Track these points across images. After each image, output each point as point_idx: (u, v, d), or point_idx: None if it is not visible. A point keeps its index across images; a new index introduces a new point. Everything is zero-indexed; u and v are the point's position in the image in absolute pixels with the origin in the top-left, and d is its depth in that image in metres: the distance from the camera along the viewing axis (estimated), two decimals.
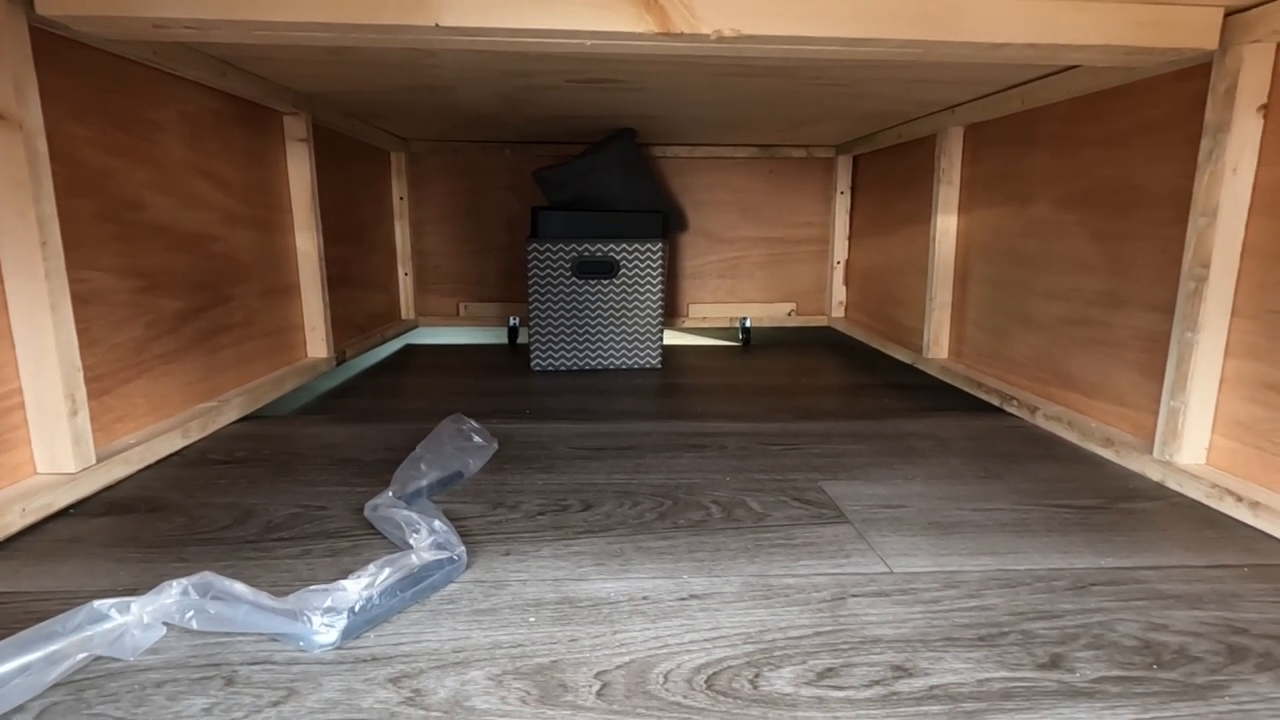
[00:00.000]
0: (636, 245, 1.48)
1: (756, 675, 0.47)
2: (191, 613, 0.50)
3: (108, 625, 0.48)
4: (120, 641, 0.48)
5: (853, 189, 1.88)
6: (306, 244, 1.27)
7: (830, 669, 0.47)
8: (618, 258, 1.48)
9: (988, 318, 1.24)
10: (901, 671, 0.47)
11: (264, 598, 0.51)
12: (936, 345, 1.39)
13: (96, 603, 0.48)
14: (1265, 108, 0.72)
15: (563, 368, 1.51)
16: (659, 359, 1.53)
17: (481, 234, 1.89)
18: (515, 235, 1.89)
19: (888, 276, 1.66)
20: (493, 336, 1.94)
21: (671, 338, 1.94)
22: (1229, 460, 0.77)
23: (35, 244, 0.67)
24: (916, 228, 1.49)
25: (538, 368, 1.51)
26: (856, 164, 1.86)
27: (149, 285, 0.87)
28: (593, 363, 1.52)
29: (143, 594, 0.50)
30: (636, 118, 1.46)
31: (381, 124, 1.54)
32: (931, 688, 0.46)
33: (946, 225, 1.34)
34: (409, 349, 1.75)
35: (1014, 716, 0.43)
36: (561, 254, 1.47)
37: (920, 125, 1.41)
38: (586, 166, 1.54)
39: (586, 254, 1.47)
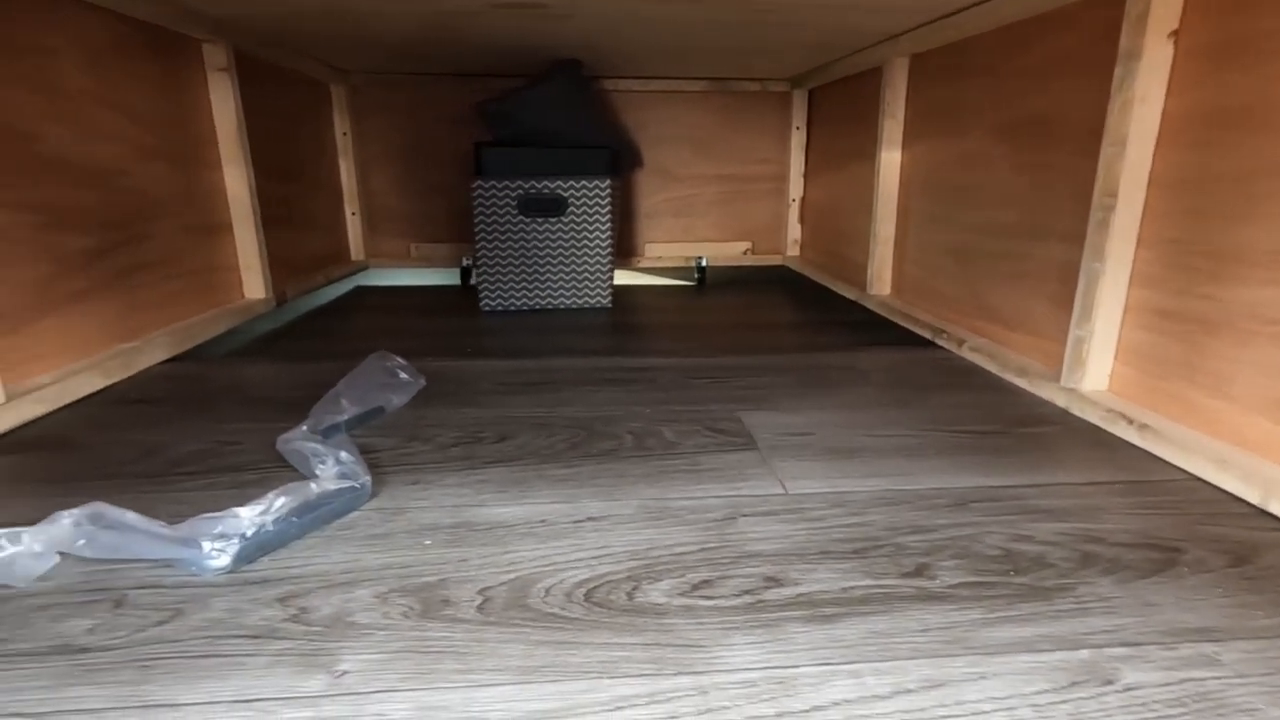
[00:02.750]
0: (585, 182, 1.46)
1: (634, 588, 0.49)
2: (83, 540, 0.50)
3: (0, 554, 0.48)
4: (12, 568, 0.48)
5: (809, 124, 1.85)
6: (236, 180, 1.23)
7: (706, 581, 0.50)
8: (565, 195, 1.46)
9: (923, 253, 1.25)
10: (773, 582, 0.50)
11: (156, 525, 0.51)
12: (879, 281, 1.41)
13: None
14: (1176, 34, 0.72)
15: (512, 308, 1.50)
16: (609, 298, 1.52)
17: (430, 172, 1.84)
18: (464, 173, 1.84)
19: (839, 214, 1.65)
20: (446, 278, 1.92)
21: (627, 278, 1.93)
22: (1127, 387, 0.80)
23: None
24: (865, 163, 1.48)
25: (487, 308, 1.50)
26: (812, 98, 1.83)
27: (51, 221, 0.84)
28: (542, 302, 1.51)
29: (31, 525, 0.50)
30: (578, 47, 1.41)
31: (312, 53, 1.47)
32: (797, 595, 0.48)
33: (890, 160, 1.34)
34: (359, 290, 1.73)
35: (866, 620, 0.46)
36: (507, 191, 1.44)
37: (867, 56, 1.38)
38: (531, 99, 1.50)
39: (533, 191, 1.45)
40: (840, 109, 1.63)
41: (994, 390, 0.92)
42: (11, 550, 0.49)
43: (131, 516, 0.52)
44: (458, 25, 1.19)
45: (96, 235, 0.92)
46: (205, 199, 1.17)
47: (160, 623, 0.45)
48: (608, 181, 1.46)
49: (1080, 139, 0.85)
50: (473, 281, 1.88)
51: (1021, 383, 0.93)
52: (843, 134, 1.61)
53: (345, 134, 1.76)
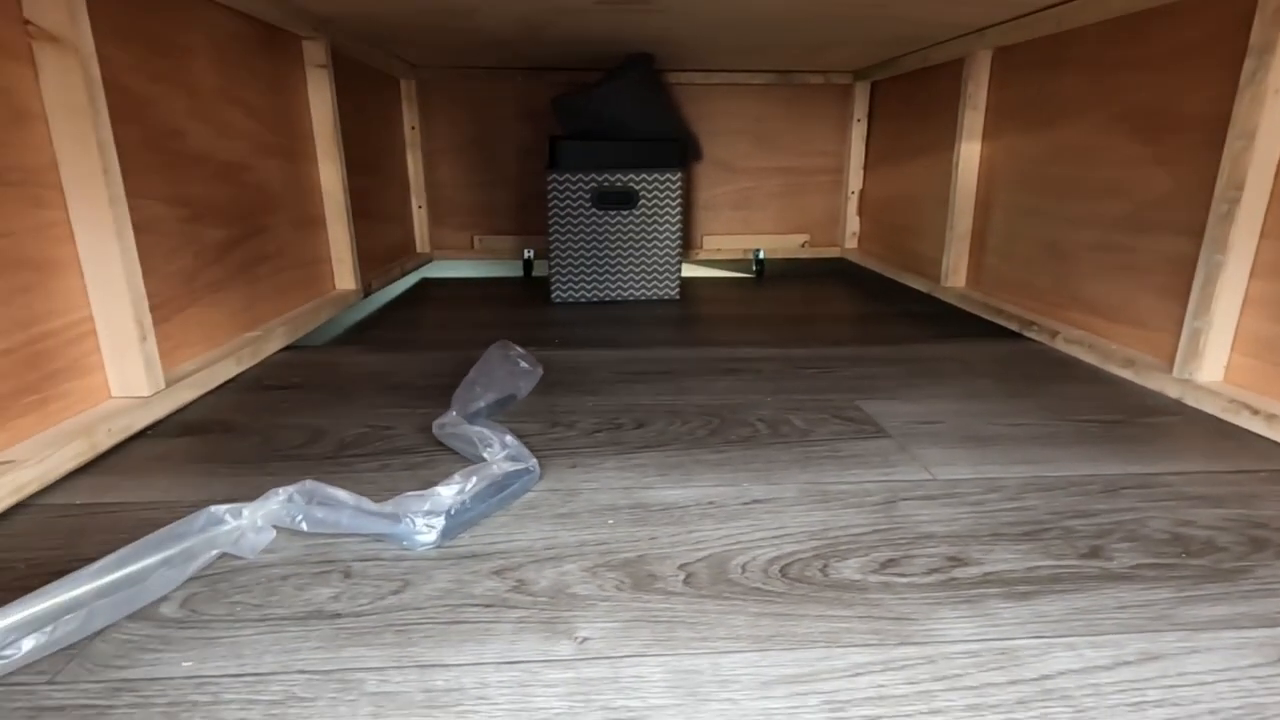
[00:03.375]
0: (656, 175, 1.48)
1: (825, 565, 0.51)
2: (300, 516, 0.54)
3: (226, 528, 0.51)
4: (240, 542, 0.52)
5: (870, 117, 1.86)
6: (330, 175, 1.26)
7: (892, 560, 0.52)
8: (637, 188, 1.48)
9: (1009, 245, 1.26)
10: (957, 561, 0.52)
11: (365, 502, 0.54)
12: (955, 273, 1.42)
13: (213, 507, 0.52)
14: None
15: (582, 299, 1.53)
16: (677, 290, 1.55)
17: (494, 164, 1.87)
18: (528, 165, 1.87)
19: (904, 206, 1.66)
20: (508, 269, 1.95)
21: (684, 270, 1.95)
22: (1246, 377, 0.81)
23: (98, 170, 0.67)
24: (937, 155, 1.48)
25: (558, 299, 1.52)
26: (874, 91, 1.83)
27: (194, 214, 0.88)
28: (612, 294, 1.53)
29: (248, 501, 0.54)
30: (656, 42, 1.43)
31: (394, 48, 1.50)
32: (986, 574, 0.50)
33: (970, 152, 1.34)
34: (425, 282, 1.76)
35: (1063, 597, 0.48)
36: (581, 185, 1.46)
37: (946, 49, 1.39)
38: (605, 93, 1.52)
39: (606, 184, 1.47)
40: (907, 102, 1.63)
41: (1100, 381, 0.93)
42: (236, 524, 0.52)
43: (342, 494, 0.55)
44: (557, 22, 1.21)
45: (228, 228, 0.95)
46: (306, 193, 1.20)
47: (395, 592, 0.48)
48: (679, 174, 1.48)
49: (1200, 131, 0.85)
50: (537, 274, 1.90)
51: (1128, 374, 0.94)
52: (911, 126, 1.62)
53: (414, 128, 1.79)
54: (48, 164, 0.66)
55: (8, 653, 0.39)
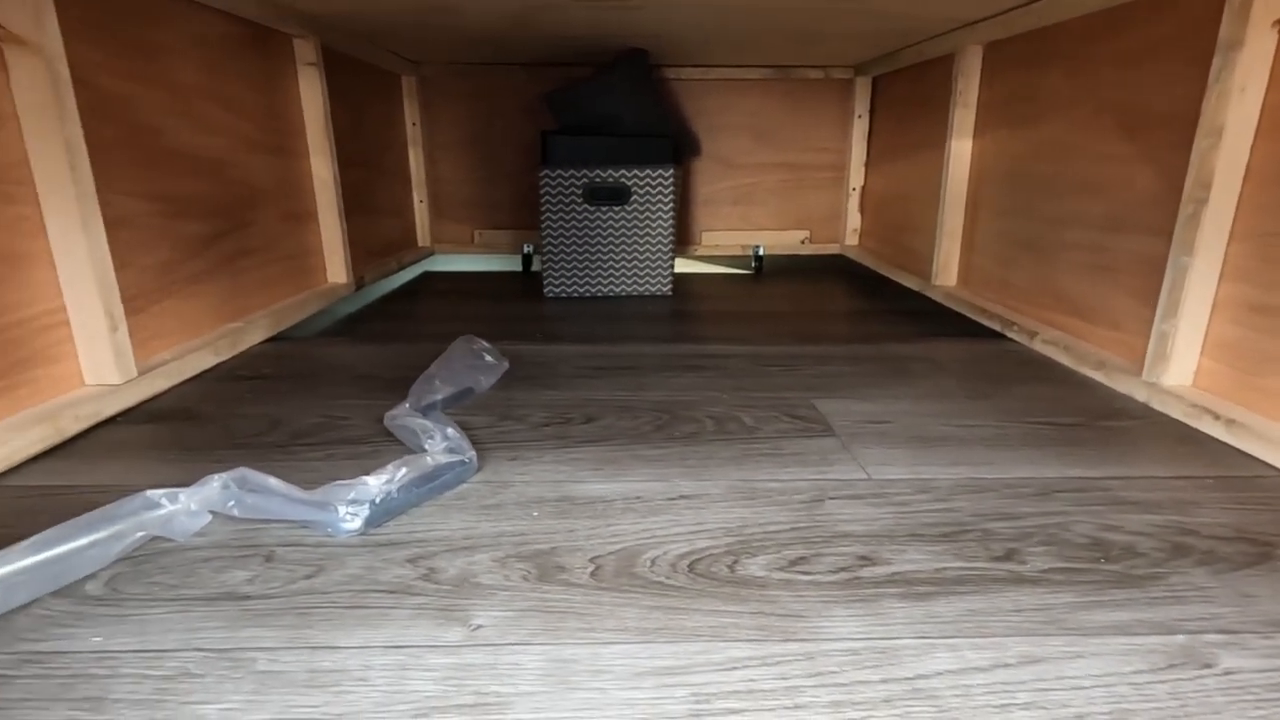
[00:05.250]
0: (648, 171, 1.48)
1: (734, 562, 0.52)
2: (233, 502, 0.56)
3: (160, 511, 0.54)
4: (171, 524, 0.54)
5: (871, 112, 1.84)
6: (322, 169, 1.29)
7: (802, 558, 0.53)
8: (629, 184, 1.49)
9: (994, 244, 1.24)
10: (866, 561, 0.52)
11: (295, 490, 0.56)
12: (945, 272, 1.40)
13: (149, 491, 0.54)
14: None
15: (575, 294, 1.54)
16: (670, 286, 1.55)
17: (495, 159, 1.89)
18: (528, 161, 1.89)
19: (902, 203, 1.64)
20: (507, 264, 1.97)
21: (684, 265, 1.95)
22: (1213, 382, 0.79)
23: (65, 168, 0.70)
24: (932, 152, 1.46)
25: (551, 294, 1.54)
26: (875, 86, 1.81)
27: (172, 210, 0.91)
28: (605, 289, 1.54)
29: (187, 487, 0.56)
30: (647, 37, 1.43)
31: (390, 46, 1.53)
32: (892, 574, 0.51)
33: (961, 150, 1.32)
34: (426, 275, 1.79)
35: (961, 599, 0.48)
36: (573, 180, 1.47)
37: (939, 44, 1.37)
38: (597, 89, 1.52)
39: (598, 180, 1.48)
40: (907, 97, 1.61)
41: (1070, 383, 0.91)
42: (171, 508, 0.55)
43: (273, 481, 0.57)
44: (541, 19, 1.22)
45: (209, 222, 0.98)
46: (296, 188, 1.23)
47: (308, 576, 0.50)
48: (671, 170, 1.48)
49: (1171, 130, 0.83)
50: (535, 268, 1.92)
51: (1099, 376, 0.93)
52: (909, 122, 1.60)
53: (415, 124, 1.82)
54: (19, 161, 0.69)
55: None
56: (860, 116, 1.84)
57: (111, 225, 0.79)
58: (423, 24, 1.28)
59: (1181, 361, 0.81)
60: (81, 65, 0.75)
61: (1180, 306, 0.79)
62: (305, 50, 1.23)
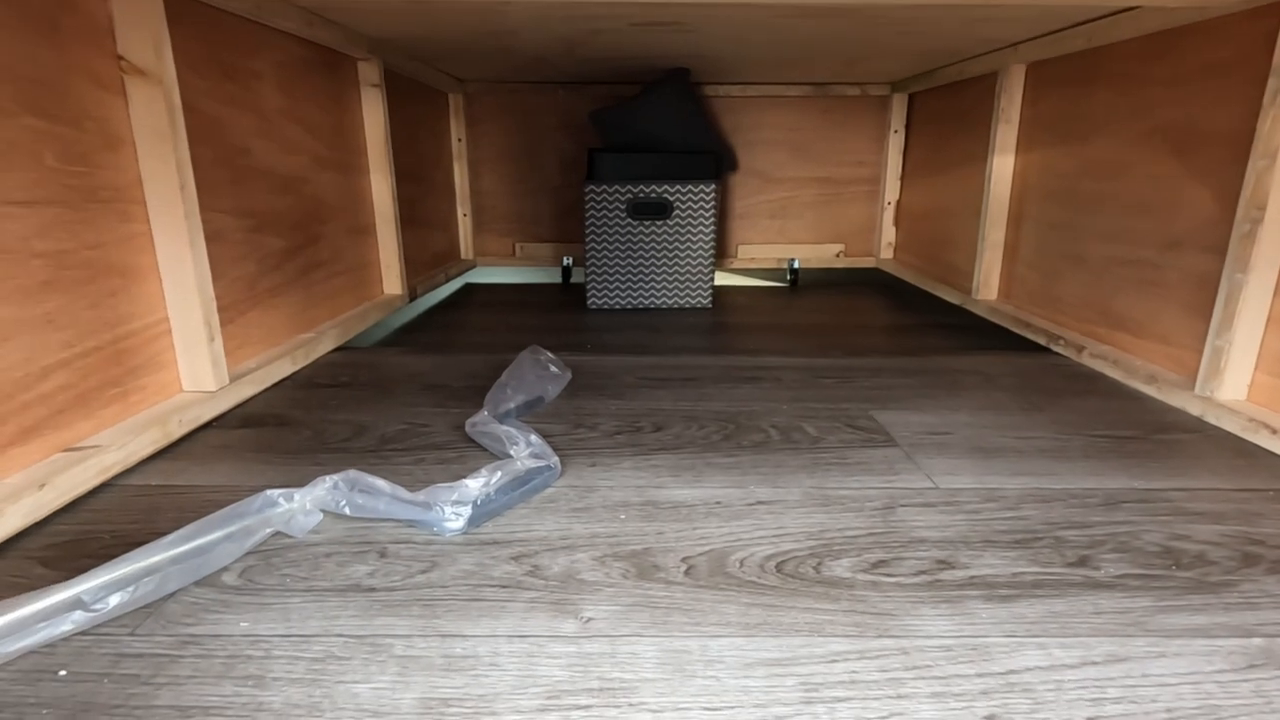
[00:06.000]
0: (690, 186, 1.52)
1: (819, 564, 0.55)
2: (344, 502, 0.60)
3: (280, 509, 0.58)
4: (291, 522, 0.58)
5: (907, 128, 1.86)
6: (381, 185, 1.34)
7: (882, 561, 0.55)
8: (671, 199, 1.53)
9: (1039, 258, 1.26)
10: (945, 564, 0.55)
11: (401, 491, 0.60)
12: (986, 286, 1.42)
13: (269, 491, 0.58)
14: None
15: (617, 306, 1.58)
16: (709, 299, 1.59)
17: (536, 174, 1.94)
18: (569, 176, 1.93)
19: (939, 217, 1.67)
20: (547, 276, 2.01)
21: (719, 278, 1.99)
22: (1269, 396, 0.81)
23: (176, 187, 0.75)
24: (972, 167, 1.49)
25: (593, 305, 1.58)
26: (912, 102, 1.84)
27: (257, 225, 0.96)
28: (645, 301, 1.58)
29: (299, 487, 0.60)
30: (691, 57, 1.47)
31: (442, 66, 1.58)
32: (971, 577, 0.53)
33: (1003, 165, 1.35)
34: (468, 287, 1.84)
35: (1043, 601, 0.50)
36: (617, 195, 1.52)
37: (981, 63, 1.40)
38: (642, 107, 1.57)
39: (641, 195, 1.52)
40: (944, 113, 1.64)
41: (1122, 396, 0.93)
42: (289, 507, 0.59)
43: (381, 483, 0.61)
44: (594, 42, 1.27)
45: (287, 237, 1.03)
46: (358, 203, 1.28)
47: (424, 571, 0.53)
48: (712, 186, 1.52)
49: (1227, 150, 0.85)
50: (575, 280, 1.97)
51: (1149, 390, 0.94)
52: (946, 138, 1.62)
53: (460, 139, 1.88)
54: (134, 181, 0.74)
55: (97, 606, 0.46)
56: (896, 131, 1.87)
57: (208, 240, 0.84)
58: (481, 46, 1.33)
59: (1236, 376, 0.83)
60: (188, 92, 0.80)
61: (1235, 321, 0.81)
62: (369, 72, 1.28)
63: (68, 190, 0.66)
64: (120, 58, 0.72)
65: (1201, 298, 0.89)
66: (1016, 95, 1.31)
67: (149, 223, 0.76)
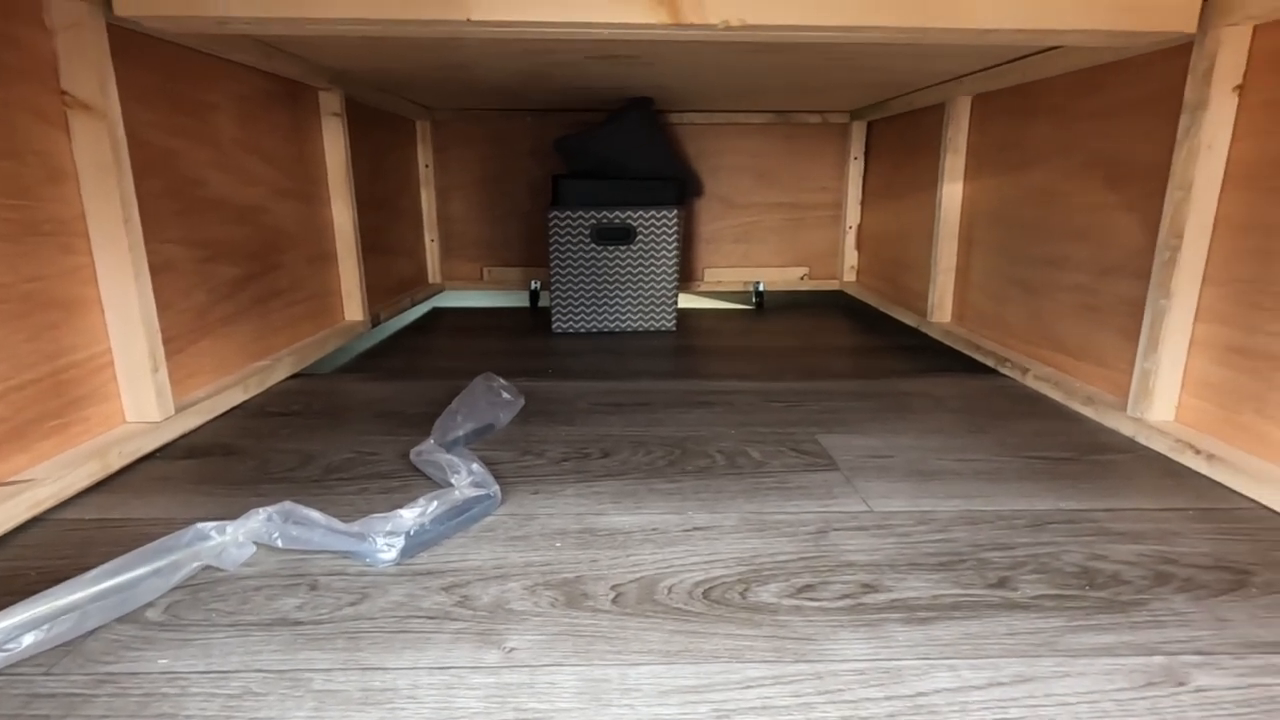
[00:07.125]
0: (653, 212, 1.55)
1: (746, 589, 0.56)
2: (277, 534, 0.60)
3: (211, 543, 0.58)
4: (222, 555, 0.58)
5: (866, 154, 1.91)
6: (342, 214, 1.35)
7: (809, 585, 0.56)
8: (635, 224, 1.55)
9: (988, 283, 1.29)
10: (869, 588, 0.56)
11: (335, 522, 0.60)
12: (940, 309, 1.45)
13: (200, 524, 0.58)
14: (1240, 88, 0.76)
15: (582, 330, 1.59)
16: (673, 322, 1.60)
17: (504, 200, 1.96)
18: (536, 201, 1.96)
19: (897, 241, 1.71)
20: (514, 300, 2.02)
21: (686, 301, 2.01)
22: (1195, 417, 0.84)
23: (119, 221, 0.76)
24: (925, 194, 1.53)
25: (559, 329, 1.59)
26: (870, 130, 1.89)
27: (210, 255, 0.96)
28: (610, 325, 1.60)
29: (233, 520, 0.60)
30: (654, 88, 1.51)
31: (407, 95, 1.60)
32: (893, 600, 0.54)
33: (952, 192, 1.39)
34: (436, 312, 1.85)
35: (959, 623, 0.52)
36: (581, 221, 1.54)
37: (930, 94, 1.44)
38: (605, 135, 1.60)
39: (605, 221, 1.54)
40: (900, 141, 1.68)
41: (1061, 418, 0.96)
42: (220, 540, 0.59)
43: (315, 514, 0.61)
44: (553, 73, 1.29)
45: (242, 266, 1.04)
46: (318, 231, 1.29)
47: (353, 603, 0.54)
48: (675, 211, 1.54)
49: (1150, 181, 0.89)
50: (543, 304, 1.98)
51: (1088, 411, 0.97)
52: (902, 165, 1.67)
53: (427, 166, 1.90)
54: (77, 215, 0.75)
55: (9, 646, 0.46)
56: (856, 158, 1.92)
57: (155, 271, 0.84)
58: (440, 78, 1.35)
59: (1164, 397, 0.86)
60: (135, 125, 0.81)
61: (1160, 345, 0.84)
62: (330, 102, 1.30)
63: (6, 224, 0.66)
64: (64, 92, 0.72)
65: (1133, 322, 0.93)
66: (963, 125, 1.36)
67: (92, 255, 0.76)
